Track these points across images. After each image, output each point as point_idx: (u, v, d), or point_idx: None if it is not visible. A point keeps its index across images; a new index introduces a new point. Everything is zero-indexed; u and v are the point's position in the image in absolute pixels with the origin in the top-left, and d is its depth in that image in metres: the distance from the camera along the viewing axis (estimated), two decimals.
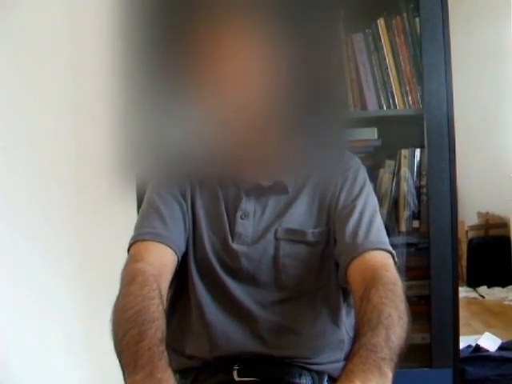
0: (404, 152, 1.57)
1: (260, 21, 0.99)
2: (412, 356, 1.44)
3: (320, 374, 1.02)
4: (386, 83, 1.52)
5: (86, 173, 1.71)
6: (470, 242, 3.99)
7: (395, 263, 0.95)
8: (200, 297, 1.02)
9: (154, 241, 0.97)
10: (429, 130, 1.46)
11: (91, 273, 1.69)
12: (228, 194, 1.05)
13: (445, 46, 1.44)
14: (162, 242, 0.97)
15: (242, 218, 1.02)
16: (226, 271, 1.02)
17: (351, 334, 1.06)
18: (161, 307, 0.83)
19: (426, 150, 1.47)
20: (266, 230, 1.02)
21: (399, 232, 1.59)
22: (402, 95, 1.52)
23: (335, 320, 1.04)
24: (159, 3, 1.33)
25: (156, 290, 0.86)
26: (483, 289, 3.75)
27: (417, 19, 1.49)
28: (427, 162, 1.47)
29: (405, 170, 1.57)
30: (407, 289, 0.87)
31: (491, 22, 3.90)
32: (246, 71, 0.97)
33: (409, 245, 1.60)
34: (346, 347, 1.04)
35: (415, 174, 1.57)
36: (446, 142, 1.45)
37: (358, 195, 1.02)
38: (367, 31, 1.53)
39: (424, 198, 1.55)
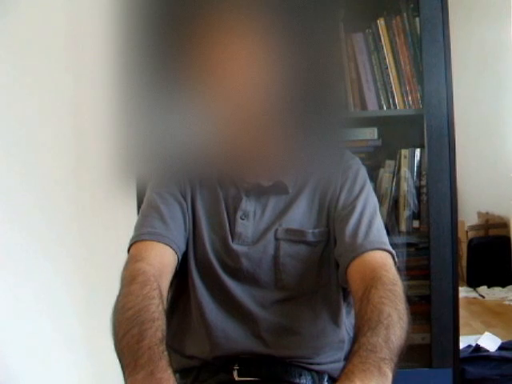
0: (404, 152, 1.57)
1: (260, 21, 0.99)
2: (412, 356, 1.45)
3: (320, 373, 1.02)
4: (385, 83, 1.52)
5: (86, 173, 1.71)
6: (470, 242, 3.99)
7: (395, 263, 0.95)
8: (200, 297, 1.02)
9: (154, 241, 0.97)
10: (429, 130, 1.46)
11: (91, 273, 1.69)
12: (228, 194, 1.05)
13: (445, 46, 1.44)
14: (162, 242, 0.97)
15: (242, 218, 1.03)
16: (226, 271, 1.02)
17: (351, 334, 1.05)
18: (161, 307, 0.83)
19: (425, 150, 1.47)
20: (266, 230, 1.02)
21: (399, 232, 1.59)
22: (402, 95, 1.52)
23: (335, 320, 1.04)
24: (159, 3, 1.33)
25: (156, 289, 0.86)
26: (483, 289, 3.75)
27: (417, 19, 1.49)
28: (427, 162, 1.47)
29: (405, 170, 1.57)
30: (407, 289, 0.87)
31: (491, 22, 3.90)
32: (245, 71, 0.97)
33: (409, 245, 1.60)
34: (346, 347, 1.04)
35: (415, 173, 1.57)
36: (445, 142, 1.45)
37: (358, 195, 1.02)
38: (367, 31, 1.53)
39: (424, 197, 1.55)
